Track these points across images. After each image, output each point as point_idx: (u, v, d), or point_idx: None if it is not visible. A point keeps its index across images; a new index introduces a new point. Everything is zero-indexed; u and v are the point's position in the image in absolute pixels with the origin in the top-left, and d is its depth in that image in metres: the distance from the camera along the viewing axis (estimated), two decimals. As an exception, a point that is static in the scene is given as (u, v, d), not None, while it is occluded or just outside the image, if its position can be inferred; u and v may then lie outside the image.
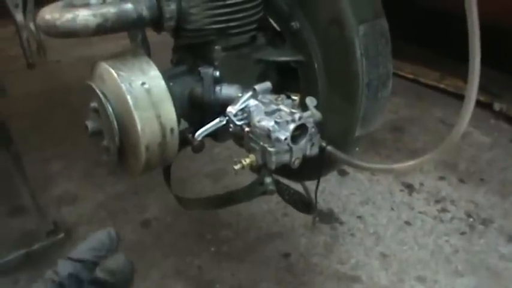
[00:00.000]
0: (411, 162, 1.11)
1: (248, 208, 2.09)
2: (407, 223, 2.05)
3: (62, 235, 1.96)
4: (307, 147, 1.16)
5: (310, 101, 1.17)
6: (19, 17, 2.04)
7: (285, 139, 1.10)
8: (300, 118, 1.11)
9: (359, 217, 2.08)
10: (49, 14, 1.14)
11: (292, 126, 1.10)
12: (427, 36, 3.05)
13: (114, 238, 0.62)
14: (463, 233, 1.99)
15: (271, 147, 1.11)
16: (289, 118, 1.11)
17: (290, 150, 1.12)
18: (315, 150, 1.19)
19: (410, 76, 3.03)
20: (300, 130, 1.13)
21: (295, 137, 1.13)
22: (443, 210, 2.11)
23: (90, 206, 2.18)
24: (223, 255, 1.92)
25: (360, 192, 2.21)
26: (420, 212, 2.10)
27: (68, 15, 1.12)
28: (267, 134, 1.10)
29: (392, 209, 2.12)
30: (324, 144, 1.21)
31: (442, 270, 1.84)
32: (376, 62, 1.23)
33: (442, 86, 2.89)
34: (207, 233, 2.01)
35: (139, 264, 1.88)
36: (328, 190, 2.20)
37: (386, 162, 2.34)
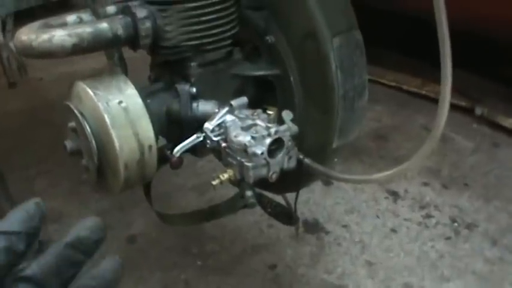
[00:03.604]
0: (389, 172, 1.12)
1: (233, 220, 2.09)
2: (393, 230, 2.06)
3: (47, 254, 1.94)
4: (284, 160, 1.17)
5: (287, 115, 1.18)
6: (-2, 36, 2.04)
7: (262, 153, 1.11)
8: (276, 132, 1.12)
9: (344, 226, 2.09)
10: (25, 35, 1.15)
11: (268, 140, 1.11)
12: (408, 44, 3.08)
13: (42, 206, 0.56)
14: (448, 238, 2.01)
15: (248, 162, 1.12)
16: (265, 133, 1.12)
17: (267, 164, 1.13)
18: (293, 164, 1.20)
19: (393, 83, 3.05)
20: (277, 144, 1.14)
21: (272, 151, 1.14)
22: (428, 216, 2.12)
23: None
24: (209, 269, 1.92)
25: (345, 201, 2.22)
26: (405, 219, 2.11)
27: (44, 36, 1.13)
28: (244, 149, 1.11)
29: (377, 216, 2.13)
30: (301, 157, 1.22)
31: (428, 276, 1.85)
32: (352, 73, 1.24)
33: (423, 92, 2.91)
34: (192, 246, 2.01)
35: (125, 281, 1.88)
36: (313, 200, 2.21)
37: (370, 170, 2.35)
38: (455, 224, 2.07)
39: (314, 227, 2.08)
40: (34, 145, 2.67)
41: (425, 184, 2.30)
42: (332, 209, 2.17)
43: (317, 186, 2.24)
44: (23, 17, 1.71)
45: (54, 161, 2.48)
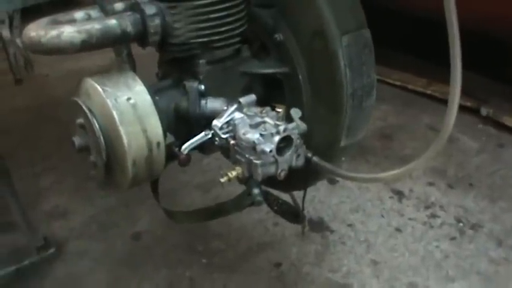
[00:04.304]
0: (396, 171, 1.12)
1: (239, 218, 2.09)
2: (398, 230, 2.06)
3: (52, 250, 1.96)
4: (292, 158, 1.17)
5: (295, 113, 1.18)
6: (5, 32, 2.04)
7: (270, 151, 1.11)
8: (284, 130, 1.12)
9: (349, 225, 2.09)
10: (34, 31, 1.15)
11: (277, 138, 1.11)
12: (414, 44, 3.07)
13: None
14: (453, 238, 2.00)
15: (256, 159, 1.12)
16: (273, 130, 1.12)
17: (276, 162, 1.13)
18: (301, 161, 1.20)
19: (398, 83, 3.05)
20: (285, 142, 1.14)
21: (281, 148, 1.14)
22: (433, 216, 2.12)
23: (80, 220, 2.18)
24: (214, 267, 1.92)
25: (350, 200, 2.22)
26: (410, 219, 2.11)
27: (53, 32, 1.13)
28: (252, 147, 1.11)
29: (382, 216, 2.13)
30: (309, 155, 1.22)
31: (433, 275, 1.84)
32: (360, 72, 1.24)
33: (429, 92, 2.91)
34: (198, 244, 2.01)
35: (130, 278, 1.89)
36: (318, 199, 2.21)
37: (375, 169, 2.35)
38: (461, 224, 2.07)
39: (319, 226, 2.08)
40: (40, 141, 2.68)
41: (431, 184, 2.30)
42: (337, 208, 2.18)
43: (322, 184, 2.24)
44: (30, 13, 1.71)
45: (59, 157, 2.49)
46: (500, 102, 2.73)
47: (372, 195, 2.24)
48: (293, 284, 1.83)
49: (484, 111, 2.69)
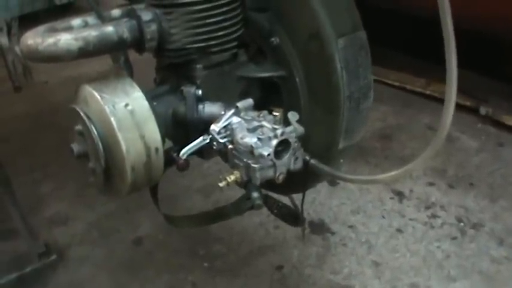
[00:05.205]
0: (394, 172, 1.12)
1: (240, 222, 2.09)
2: (399, 230, 2.06)
3: (54, 257, 1.96)
4: (290, 161, 1.17)
5: (292, 116, 1.18)
6: (3, 40, 2.05)
7: (268, 155, 1.11)
8: (282, 134, 1.13)
9: (350, 226, 2.09)
10: (31, 39, 1.15)
11: (274, 142, 1.12)
12: (413, 44, 3.08)
13: None
14: (454, 238, 2.00)
15: (254, 163, 1.12)
16: (271, 134, 1.12)
17: (274, 165, 1.13)
18: (299, 164, 1.20)
19: (397, 83, 3.05)
20: (283, 145, 1.15)
21: (279, 152, 1.14)
22: (434, 216, 2.12)
23: (81, 226, 2.18)
24: (216, 270, 1.92)
25: (351, 201, 2.22)
26: (411, 219, 2.11)
27: (50, 40, 1.13)
28: (250, 151, 1.12)
29: (383, 217, 2.13)
30: (307, 157, 1.22)
31: (434, 276, 1.84)
32: (357, 74, 1.24)
33: (428, 92, 2.91)
34: (199, 248, 2.01)
35: (132, 283, 1.89)
36: (319, 201, 2.21)
37: (376, 170, 2.36)
38: (461, 224, 2.07)
39: (320, 228, 2.08)
40: (40, 148, 2.69)
41: (431, 184, 2.30)
42: (338, 210, 2.18)
43: (323, 186, 2.25)
44: (27, 21, 1.71)
45: (60, 164, 2.49)
46: (499, 101, 2.74)
47: (372, 197, 2.24)
48: (295, 287, 1.83)
49: (483, 110, 2.69)
